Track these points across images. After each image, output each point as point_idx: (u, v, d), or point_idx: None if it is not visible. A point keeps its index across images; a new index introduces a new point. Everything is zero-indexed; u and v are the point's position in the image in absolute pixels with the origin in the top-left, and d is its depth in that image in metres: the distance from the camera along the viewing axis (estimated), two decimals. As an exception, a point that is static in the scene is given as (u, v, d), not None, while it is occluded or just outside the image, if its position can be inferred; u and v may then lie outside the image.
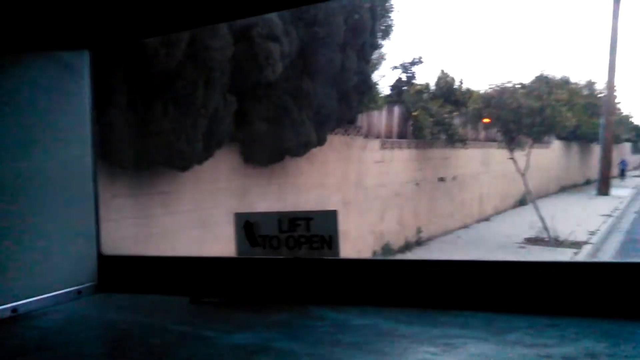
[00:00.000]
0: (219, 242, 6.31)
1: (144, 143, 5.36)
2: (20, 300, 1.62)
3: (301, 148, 7.31)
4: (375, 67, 9.30)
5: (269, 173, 7.80)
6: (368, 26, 7.73)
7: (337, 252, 1.59)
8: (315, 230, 1.61)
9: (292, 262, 1.64)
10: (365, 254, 10.38)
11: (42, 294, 1.68)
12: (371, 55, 8.21)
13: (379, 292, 1.57)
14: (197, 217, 6.67)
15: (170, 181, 6.25)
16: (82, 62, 1.80)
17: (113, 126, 5.28)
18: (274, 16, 6.03)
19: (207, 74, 5.38)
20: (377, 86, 9.48)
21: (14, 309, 1.60)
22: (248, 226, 1.68)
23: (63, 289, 1.75)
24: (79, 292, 1.79)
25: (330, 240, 1.59)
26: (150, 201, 6.06)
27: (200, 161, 5.89)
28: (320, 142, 7.62)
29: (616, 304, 1.34)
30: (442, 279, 1.51)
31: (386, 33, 9.31)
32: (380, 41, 8.80)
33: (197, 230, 6.62)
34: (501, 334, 1.28)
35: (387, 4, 9.29)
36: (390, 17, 9.35)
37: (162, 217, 6.17)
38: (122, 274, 1.87)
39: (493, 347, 1.21)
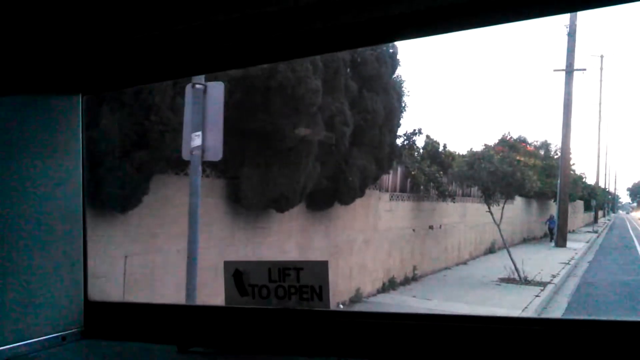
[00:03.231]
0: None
1: (264, 192, 7.93)
2: (4, 345, 1.57)
3: (350, 199, 10.01)
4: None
5: (319, 216, 10.40)
6: (397, 111, 10.58)
7: (327, 304, 1.58)
8: (305, 280, 1.59)
9: (282, 312, 1.62)
10: (377, 283, 12.97)
11: (26, 340, 1.63)
12: (397, 131, 11.04)
13: (370, 345, 1.54)
14: (278, 247, 9.20)
15: (267, 220, 8.81)
16: (75, 107, 1.76)
17: (243, 180, 7.87)
18: (345, 107, 8.78)
19: (308, 149, 8.04)
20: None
21: None
22: (237, 275, 1.65)
23: (48, 335, 1.70)
24: (63, 338, 1.74)
25: (320, 291, 1.58)
26: (254, 233, 8.59)
27: (293, 207, 8.48)
28: (362, 195, 10.33)
29: None
30: (436, 333, 1.48)
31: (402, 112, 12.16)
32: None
33: (278, 254, 9.15)
34: None
35: (403, 88, 12.19)
36: (404, 100, 12.25)
37: (261, 244, 8.69)
38: (108, 321, 1.83)
39: None
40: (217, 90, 4.82)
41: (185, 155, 4.95)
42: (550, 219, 30.01)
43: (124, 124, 5.72)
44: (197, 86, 4.73)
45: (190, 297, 4.84)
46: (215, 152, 4.82)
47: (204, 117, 4.62)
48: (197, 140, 4.45)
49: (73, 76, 1.68)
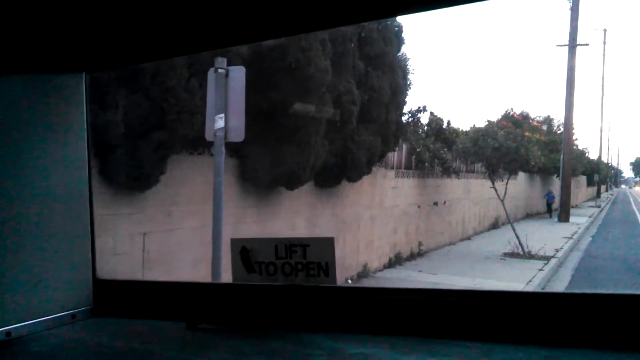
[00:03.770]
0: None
1: (274, 170, 8.14)
2: (14, 323, 1.58)
3: (357, 177, 10.21)
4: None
5: (328, 193, 10.62)
6: (403, 89, 10.72)
7: (334, 280, 1.60)
8: (312, 257, 1.61)
9: (289, 289, 1.64)
10: (384, 259, 13.24)
11: (36, 318, 1.65)
12: (402, 109, 11.19)
13: (376, 321, 1.55)
14: (289, 224, 9.44)
15: (277, 197, 9.03)
16: (79, 85, 1.77)
17: (254, 159, 8.06)
18: (353, 86, 8.93)
19: (316, 128, 8.22)
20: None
21: (7, 333, 1.57)
22: (244, 252, 1.68)
23: (57, 313, 1.71)
24: (73, 316, 1.76)
25: (327, 267, 1.60)
26: (265, 211, 8.82)
27: (303, 184, 8.68)
28: (369, 172, 10.52)
29: (612, 336, 1.32)
30: (441, 308, 1.50)
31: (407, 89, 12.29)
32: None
33: (288, 231, 9.40)
34: None
35: (408, 66, 12.31)
36: (409, 77, 12.38)
37: (272, 221, 8.92)
38: (117, 299, 1.85)
39: None
40: (238, 74, 5.01)
41: (209, 137, 5.15)
42: (549, 194, 30.28)
43: (141, 105, 5.90)
44: (220, 70, 4.91)
45: (216, 272, 5.07)
46: (238, 133, 5.04)
47: (226, 100, 4.83)
48: (220, 122, 4.67)
49: (76, 54, 1.65)
